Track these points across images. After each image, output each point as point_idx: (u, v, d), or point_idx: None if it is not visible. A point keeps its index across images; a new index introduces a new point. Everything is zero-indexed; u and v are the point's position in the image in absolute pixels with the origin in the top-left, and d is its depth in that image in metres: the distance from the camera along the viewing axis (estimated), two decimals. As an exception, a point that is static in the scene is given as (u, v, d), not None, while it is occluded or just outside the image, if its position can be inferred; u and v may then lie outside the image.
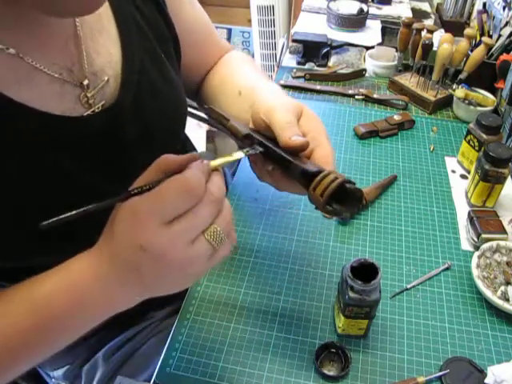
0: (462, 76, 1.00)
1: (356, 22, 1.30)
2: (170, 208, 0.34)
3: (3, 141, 0.41)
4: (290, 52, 1.25)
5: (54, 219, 0.33)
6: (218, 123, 0.50)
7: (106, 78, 0.50)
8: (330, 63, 1.19)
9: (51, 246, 0.46)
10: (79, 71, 0.47)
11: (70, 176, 0.47)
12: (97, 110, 0.48)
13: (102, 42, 0.50)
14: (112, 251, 0.37)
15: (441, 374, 0.55)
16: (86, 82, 0.47)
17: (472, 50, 0.98)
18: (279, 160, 0.45)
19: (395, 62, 1.14)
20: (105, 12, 0.52)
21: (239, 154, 0.41)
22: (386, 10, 1.41)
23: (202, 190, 0.35)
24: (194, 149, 0.80)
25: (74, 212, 0.33)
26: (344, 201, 0.42)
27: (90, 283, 0.38)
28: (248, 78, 0.65)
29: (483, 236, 0.68)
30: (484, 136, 0.80)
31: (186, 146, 0.73)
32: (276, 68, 1.58)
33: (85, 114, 0.47)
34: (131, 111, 0.52)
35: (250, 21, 2.39)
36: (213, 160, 0.38)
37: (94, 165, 0.49)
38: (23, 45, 0.42)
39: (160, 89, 0.57)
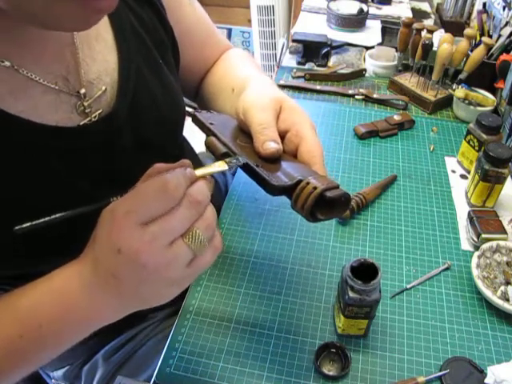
0: (462, 76, 1.00)
1: (356, 21, 1.30)
2: (147, 207, 0.34)
3: None
4: (290, 52, 1.25)
5: (29, 224, 0.32)
6: (202, 131, 0.51)
7: (103, 88, 0.49)
8: (330, 63, 1.19)
9: (50, 252, 0.46)
10: (75, 80, 0.47)
11: (67, 184, 0.46)
12: (93, 119, 0.48)
13: (99, 49, 0.50)
14: (93, 256, 0.36)
15: (441, 374, 0.55)
16: (82, 91, 0.47)
17: (472, 50, 0.98)
18: (257, 177, 0.45)
19: (395, 62, 1.14)
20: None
21: (223, 166, 0.41)
22: (385, 10, 1.41)
23: (179, 191, 0.35)
24: (191, 150, 0.80)
25: (47, 218, 0.33)
26: (330, 207, 0.42)
27: (75, 292, 0.37)
28: (241, 75, 0.65)
29: (483, 236, 0.68)
30: (484, 136, 0.80)
31: (183, 147, 0.72)
32: (276, 68, 1.58)
33: (81, 123, 0.47)
34: (128, 118, 0.51)
35: (249, 21, 2.40)
36: (197, 169, 0.39)
37: (92, 172, 0.49)
38: (17, 56, 0.42)
39: (157, 94, 0.56)
